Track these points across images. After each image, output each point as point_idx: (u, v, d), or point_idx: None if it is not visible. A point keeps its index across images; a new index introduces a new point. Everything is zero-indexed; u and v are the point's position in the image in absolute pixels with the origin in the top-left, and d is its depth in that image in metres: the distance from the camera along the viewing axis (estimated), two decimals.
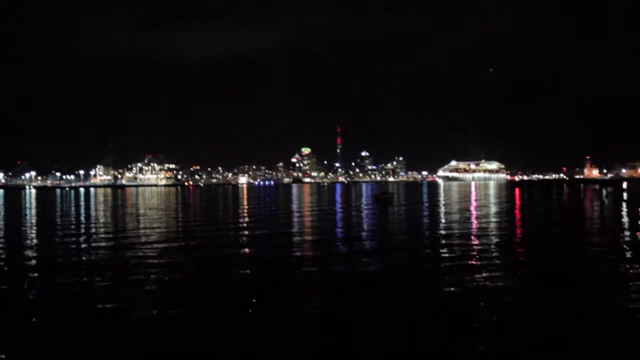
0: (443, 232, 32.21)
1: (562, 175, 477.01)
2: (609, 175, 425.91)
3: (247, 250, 26.28)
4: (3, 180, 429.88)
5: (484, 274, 18.17)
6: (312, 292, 16.12)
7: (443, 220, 41.30)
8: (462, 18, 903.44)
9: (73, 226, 41.11)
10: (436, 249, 24.46)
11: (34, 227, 41.46)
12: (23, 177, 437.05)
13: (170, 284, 17.63)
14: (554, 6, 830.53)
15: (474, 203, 67.98)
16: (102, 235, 33.02)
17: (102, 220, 46.91)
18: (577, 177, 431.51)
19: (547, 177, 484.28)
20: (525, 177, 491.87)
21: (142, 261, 22.00)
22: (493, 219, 41.50)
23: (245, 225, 40.61)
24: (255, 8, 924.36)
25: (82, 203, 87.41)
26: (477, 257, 21.96)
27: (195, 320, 13.16)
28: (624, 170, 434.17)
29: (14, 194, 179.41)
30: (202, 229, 37.83)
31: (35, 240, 31.47)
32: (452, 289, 16.24)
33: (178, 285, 17.44)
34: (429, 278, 18.26)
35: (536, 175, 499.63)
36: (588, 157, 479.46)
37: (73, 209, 68.37)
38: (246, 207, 67.57)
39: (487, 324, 12.44)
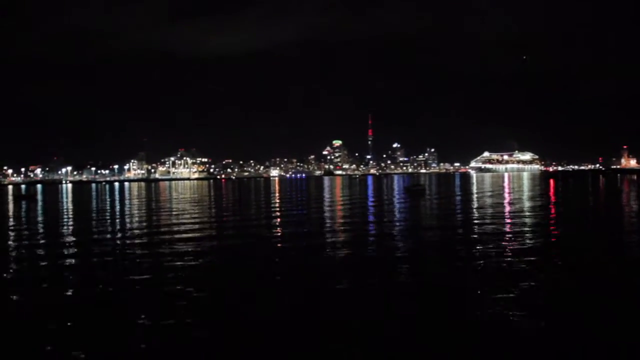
0: (475, 230, 31.83)
1: (598, 165, 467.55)
2: None
3: (280, 245, 26.43)
4: (40, 176, 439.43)
5: (515, 280, 18.00)
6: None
7: (475, 215, 40.80)
8: (491, 9, 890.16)
9: (113, 220, 41.92)
10: (467, 251, 24.13)
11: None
12: (60, 172, 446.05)
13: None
14: None
15: (507, 196, 67.14)
16: (142, 231, 33.62)
17: (140, 215, 47.67)
18: (614, 167, 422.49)
19: (582, 167, 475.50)
20: (559, 168, 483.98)
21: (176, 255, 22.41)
22: (527, 215, 40.83)
23: (278, 222, 40.79)
24: (281, 2, 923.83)
25: (118, 197, 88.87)
26: (509, 259, 21.74)
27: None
28: None
29: (52, 189, 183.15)
30: (236, 224, 38.12)
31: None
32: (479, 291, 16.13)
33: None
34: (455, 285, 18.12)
35: (571, 166, 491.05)
36: (625, 147, 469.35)
37: (109, 203, 69.71)
38: (278, 201, 67.84)
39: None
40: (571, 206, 49.99)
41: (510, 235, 26.85)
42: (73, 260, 22.24)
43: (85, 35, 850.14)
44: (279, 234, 31.15)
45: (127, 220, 42.09)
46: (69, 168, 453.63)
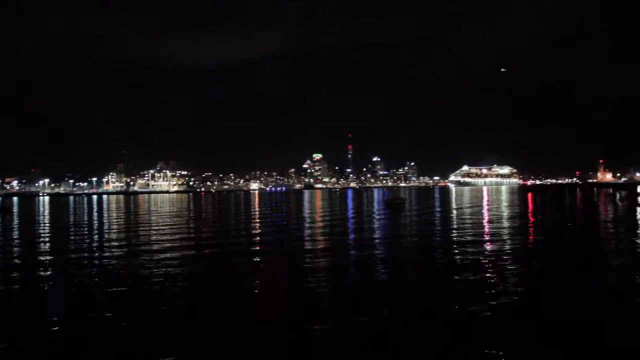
0: (455, 238, 32.11)
1: (575, 179, 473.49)
2: (623, 179, 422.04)
3: (257, 259, 26.34)
4: (17, 188, 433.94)
5: (492, 285, 18.13)
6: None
7: (455, 226, 41.12)
8: (469, 23, 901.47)
9: (90, 234, 41.49)
10: (447, 256, 24.34)
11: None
12: (37, 184, 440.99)
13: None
14: (565, 8, 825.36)
15: (486, 208, 67.71)
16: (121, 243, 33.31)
17: (116, 228, 47.25)
18: (591, 181, 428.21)
19: (560, 181, 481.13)
20: (537, 182, 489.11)
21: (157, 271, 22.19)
22: (505, 224, 41.28)
23: (257, 234, 40.67)
24: (263, 13, 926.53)
25: (96, 210, 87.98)
26: (487, 265, 21.90)
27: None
28: (638, 174, 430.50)
29: (29, 201, 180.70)
30: (213, 239, 37.96)
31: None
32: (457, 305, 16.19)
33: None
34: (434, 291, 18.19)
35: (549, 180, 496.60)
36: (601, 161, 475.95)
37: (87, 216, 69.01)
38: (258, 215, 67.70)
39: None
40: (547, 217, 50.51)
41: (487, 245, 27.07)
42: (47, 273, 21.94)
43: (62, 46, 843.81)
44: (257, 249, 31.02)
45: (105, 233, 41.61)
46: (47, 180, 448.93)
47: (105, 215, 69.93)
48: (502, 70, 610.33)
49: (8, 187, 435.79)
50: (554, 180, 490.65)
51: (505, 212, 57.25)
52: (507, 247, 26.70)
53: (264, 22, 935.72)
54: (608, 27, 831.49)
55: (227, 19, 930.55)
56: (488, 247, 26.68)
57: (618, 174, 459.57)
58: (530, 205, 71.56)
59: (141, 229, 44.70)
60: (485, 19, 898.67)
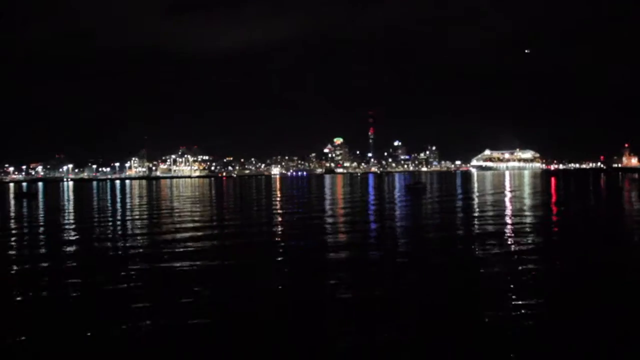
0: (476, 228, 31.91)
1: (599, 164, 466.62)
2: None
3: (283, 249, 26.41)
4: (42, 173, 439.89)
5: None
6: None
7: (476, 213, 40.82)
8: (490, 5, 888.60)
9: (114, 219, 42.00)
10: (466, 247, 24.18)
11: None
12: (61, 169, 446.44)
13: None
14: None
15: (508, 194, 67.14)
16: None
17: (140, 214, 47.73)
18: (615, 165, 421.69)
19: (583, 166, 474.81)
20: (561, 166, 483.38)
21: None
22: (528, 213, 40.88)
23: (279, 220, 40.79)
24: None
25: (119, 195, 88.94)
26: (511, 258, 21.72)
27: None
28: None
29: (54, 186, 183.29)
30: (235, 223, 38.15)
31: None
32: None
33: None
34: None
35: (572, 164, 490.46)
36: (627, 145, 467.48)
37: (110, 201, 69.81)
38: (279, 199, 67.87)
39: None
40: (572, 205, 49.88)
41: (509, 234, 26.86)
42: (72, 261, 22.27)
43: (83, 33, 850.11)
44: (280, 232, 31.12)
45: (128, 218, 42.04)
46: (70, 166, 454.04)
47: (128, 200, 70.69)
48: (527, 51, 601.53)
49: (33, 173, 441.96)
50: (577, 165, 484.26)
51: (528, 200, 56.55)
52: (530, 242, 26.14)
53: (284, 6, 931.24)
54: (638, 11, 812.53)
55: (246, 2, 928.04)
56: (510, 241, 26.13)
57: None
58: (554, 194, 70.59)
59: (163, 216, 45.00)
60: (505, 4, 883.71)
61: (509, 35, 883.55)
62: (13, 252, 24.97)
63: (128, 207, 56.99)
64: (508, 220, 33.60)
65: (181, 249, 23.91)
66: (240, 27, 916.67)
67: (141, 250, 24.19)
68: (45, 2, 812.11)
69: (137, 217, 43.31)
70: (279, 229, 32.84)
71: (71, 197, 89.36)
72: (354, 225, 33.01)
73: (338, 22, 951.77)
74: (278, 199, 67.54)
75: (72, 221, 41.44)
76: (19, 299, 15.66)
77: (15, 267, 20.54)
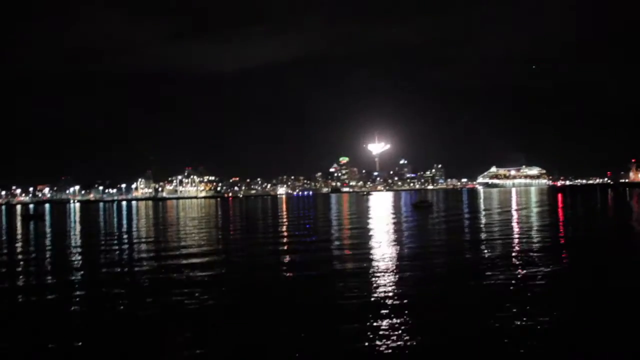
0: (484, 253, 31.72)
1: (606, 179, 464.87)
2: None
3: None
4: (48, 195, 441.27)
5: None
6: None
7: (483, 235, 40.60)
8: (499, 19, 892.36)
9: (120, 242, 41.96)
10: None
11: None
12: (67, 191, 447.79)
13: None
14: (595, 8, 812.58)
15: (515, 213, 66.80)
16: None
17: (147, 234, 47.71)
18: (622, 181, 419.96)
19: (590, 181, 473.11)
20: (567, 182, 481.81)
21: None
22: (535, 234, 40.57)
23: (286, 247, 40.72)
24: (285, 17, 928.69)
25: (125, 217, 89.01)
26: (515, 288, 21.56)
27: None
28: None
29: (60, 208, 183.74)
30: (243, 247, 38.08)
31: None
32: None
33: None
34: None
35: (579, 180, 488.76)
36: (634, 161, 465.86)
37: (116, 223, 69.83)
38: (285, 221, 67.77)
39: None
40: (580, 225, 49.45)
41: (516, 255, 26.66)
42: (79, 287, 22.24)
43: (90, 54, 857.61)
44: (287, 260, 31.01)
45: (135, 242, 41.98)
46: (77, 187, 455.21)
47: (135, 222, 70.72)
48: (533, 67, 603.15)
49: (40, 195, 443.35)
50: (584, 181, 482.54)
51: (535, 219, 56.26)
52: (538, 269, 25.67)
53: (288, 26, 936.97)
54: None
55: (252, 22, 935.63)
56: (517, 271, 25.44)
57: None
58: (561, 212, 70.21)
59: (170, 240, 44.96)
60: (511, 19, 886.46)
61: (515, 52, 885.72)
62: (20, 278, 24.94)
63: (134, 229, 56.97)
64: (515, 242, 33.39)
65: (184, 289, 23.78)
66: (246, 48, 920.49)
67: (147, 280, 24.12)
68: (47, 23, 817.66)
69: (143, 241, 43.29)
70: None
71: (77, 218, 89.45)
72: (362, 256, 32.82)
73: (340, 40, 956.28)
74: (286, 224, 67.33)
75: (78, 244, 41.39)
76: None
77: (20, 296, 20.52)
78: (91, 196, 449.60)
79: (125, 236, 47.12)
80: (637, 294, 17.34)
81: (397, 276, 21.25)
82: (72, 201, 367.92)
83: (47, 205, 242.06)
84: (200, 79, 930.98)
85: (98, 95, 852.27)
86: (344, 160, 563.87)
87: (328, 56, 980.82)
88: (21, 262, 30.36)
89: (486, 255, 26.64)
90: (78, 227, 64.57)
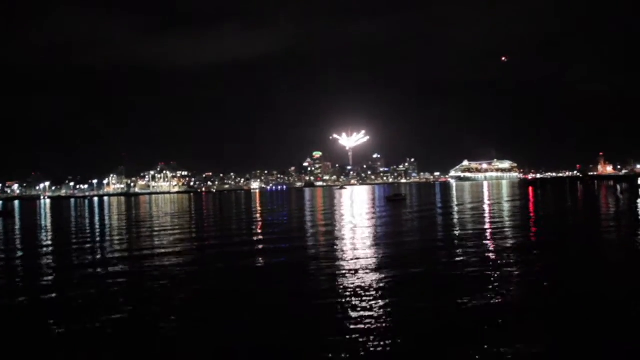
0: (457, 233, 32.14)
1: (576, 172, 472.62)
2: (624, 172, 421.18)
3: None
4: (18, 191, 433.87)
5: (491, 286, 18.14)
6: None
7: (456, 221, 41.14)
8: (467, 16, 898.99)
9: (93, 237, 41.51)
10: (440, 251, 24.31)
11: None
12: (38, 187, 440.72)
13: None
14: (566, 3, 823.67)
15: (487, 203, 67.75)
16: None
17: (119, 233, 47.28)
18: (591, 174, 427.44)
19: (560, 174, 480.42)
20: (538, 175, 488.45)
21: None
22: (506, 220, 41.29)
23: (260, 238, 40.68)
24: (260, 13, 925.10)
25: (98, 213, 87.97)
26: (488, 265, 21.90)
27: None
28: (638, 166, 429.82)
29: (31, 205, 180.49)
30: (219, 242, 38.00)
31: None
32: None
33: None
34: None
35: (549, 173, 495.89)
36: (601, 154, 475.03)
37: (88, 219, 68.98)
38: (259, 215, 67.69)
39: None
40: (548, 212, 50.46)
41: (488, 238, 27.09)
42: (50, 282, 22.00)
43: (60, 49, 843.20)
44: (261, 249, 31.04)
45: (107, 237, 41.61)
46: (47, 183, 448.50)
47: (107, 218, 69.97)
48: (503, 59, 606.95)
49: (9, 191, 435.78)
50: (554, 174, 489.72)
51: (507, 210, 57.13)
52: (508, 251, 26.40)
53: (261, 22, 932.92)
54: (608, 23, 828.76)
55: (224, 19, 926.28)
56: (488, 254, 26.33)
57: (619, 166, 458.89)
58: (532, 201, 71.41)
59: (143, 234, 44.66)
60: (485, 14, 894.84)
61: (488, 47, 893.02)
62: None
63: (106, 225, 56.39)
64: (487, 228, 33.90)
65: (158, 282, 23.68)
66: (219, 44, 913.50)
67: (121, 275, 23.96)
68: (20, 15, 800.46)
69: (116, 236, 42.91)
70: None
71: (49, 215, 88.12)
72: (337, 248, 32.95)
73: (315, 36, 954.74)
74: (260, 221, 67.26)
75: (49, 241, 40.86)
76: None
77: None
78: (62, 192, 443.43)
79: (97, 233, 46.61)
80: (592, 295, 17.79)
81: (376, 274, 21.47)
82: (42, 197, 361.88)
83: (16, 202, 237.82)
84: (172, 75, 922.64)
85: (69, 91, 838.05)
86: (317, 154, 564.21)
87: (301, 52, 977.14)
88: None
89: (456, 241, 27.07)
90: (49, 224, 63.58)
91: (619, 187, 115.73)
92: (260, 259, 26.08)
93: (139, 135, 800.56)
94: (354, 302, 15.50)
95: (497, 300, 15.23)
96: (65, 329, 13.99)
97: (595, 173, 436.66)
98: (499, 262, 21.38)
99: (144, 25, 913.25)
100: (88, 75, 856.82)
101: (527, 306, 14.76)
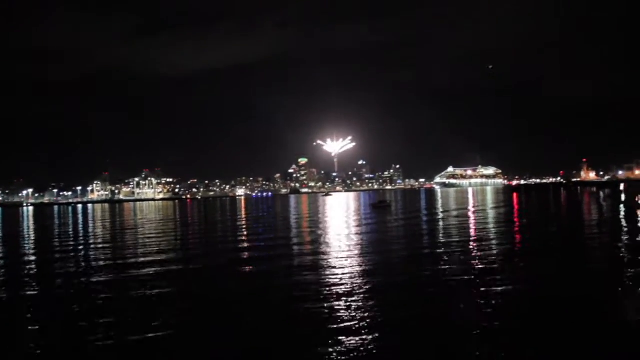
0: (441, 240, 32.22)
1: (559, 178, 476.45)
2: (606, 178, 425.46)
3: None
4: (0, 198, 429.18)
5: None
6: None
7: (440, 226, 41.26)
8: (454, 22, 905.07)
9: (76, 245, 41.09)
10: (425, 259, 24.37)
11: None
12: (20, 194, 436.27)
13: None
14: (549, 6, 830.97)
15: (471, 209, 68.05)
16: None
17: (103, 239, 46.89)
18: (575, 180, 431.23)
19: (544, 180, 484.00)
20: (522, 182, 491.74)
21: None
22: (491, 227, 41.49)
23: (245, 245, 40.55)
24: (246, 18, 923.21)
25: (81, 220, 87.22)
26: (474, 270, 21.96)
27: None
28: (620, 172, 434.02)
29: (13, 212, 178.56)
30: (202, 249, 37.78)
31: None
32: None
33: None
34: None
35: (533, 180, 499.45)
36: (585, 160, 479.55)
37: (72, 226, 68.33)
38: (244, 222, 67.45)
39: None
40: (533, 218, 50.80)
41: (471, 247, 27.18)
42: (32, 289, 21.76)
43: (45, 53, 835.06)
44: (245, 257, 30.91)
45: (91, 245, 41.25)
46: (30, 190, 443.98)
47: (91, 225, 69.35)
48: (489, 67, 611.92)
49: None
50: (538, 180, 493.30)
51: (491, 217, 57.41)
52: (491, 259, 26.56)
53: (247, 27, 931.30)
54: (591, 28, 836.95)
55: (209, 24, 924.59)
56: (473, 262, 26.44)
57: (601, 173, 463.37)
58: (516, 208, 71.82)
59: (128, 242, 44.31)
60: (468, 19, 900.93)
61: (473, 53, 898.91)
62: None
63: (90, 232, 55.90)
64: (471, 237, 34.02)
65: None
66: (205, 49, 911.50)
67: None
68: (11, 18, 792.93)
69: (98, 243, 42.55)
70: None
71: (31, 222, 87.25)
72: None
73: (302, 42, 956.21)
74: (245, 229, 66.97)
75: (31, 249, 40.42)
76: None
77: None
78: (45, 199, 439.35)
79: (80, 240, 46.17)
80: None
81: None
82: (25, 204, 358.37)
83: None
84: (155, 80, 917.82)
85: (51, 97, 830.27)
86: (302, 161, 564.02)
87: (287, 57, 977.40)
88: None
89: (440, 247, 27.10)
90: (31, 232, 62.93)
91: (601, 193, 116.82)
92: (244, 268, 25.98)
93: (122, 142, 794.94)
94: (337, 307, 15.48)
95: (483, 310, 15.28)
96: (45, 341, 13.84)
97: (579, 179, 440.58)
98: (482, 270, 21.45)
99: (125, 30, 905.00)
100: (71, 82, 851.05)
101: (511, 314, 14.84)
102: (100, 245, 39.90)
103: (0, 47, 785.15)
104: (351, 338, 12.97)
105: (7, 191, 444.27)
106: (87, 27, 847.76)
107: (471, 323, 13.84)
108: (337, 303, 16.65)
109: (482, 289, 17.82)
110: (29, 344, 13.71)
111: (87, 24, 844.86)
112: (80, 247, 39.32)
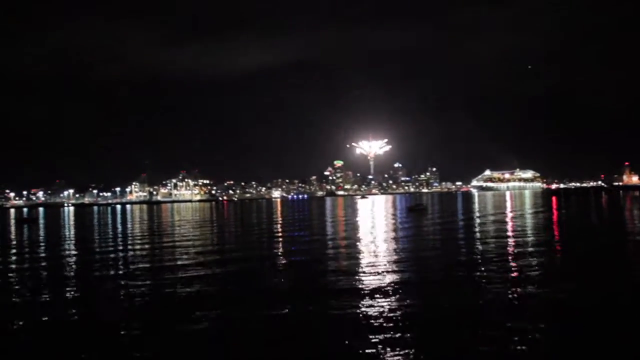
0: (479, 248, 31.80)
1: (600, 182, 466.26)
2: None
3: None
4: (42, 198, 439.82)
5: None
6: None
7: (477, 235, 40.72)
8: (491, 25, 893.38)
9: (115, 245, 41.81)
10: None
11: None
12: (62, 195, 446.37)
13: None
14: (587, 11, 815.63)
15: (509, 214, 67.03)
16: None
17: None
18: (616, 184, 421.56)
19: (584, 184, 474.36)
20: (561, 185, 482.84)
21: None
22: (529, 235, 40.74)
23: (281, 249, 40.67)
24: (273, 23, 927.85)
25: (120, 220, 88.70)
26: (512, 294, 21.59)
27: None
28: None
29: (54, 212, 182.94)
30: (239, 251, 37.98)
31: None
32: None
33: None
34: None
35: (573, 183, 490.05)
36: (627, 163, 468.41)
37: (111, 226, 69.54)
38: (280, 224, 67.70)
39: None
40: (574, 227, 49.75)
41: (510, 257, 26.73)
42: (73, 289, 22.17)
43: (83, 59, 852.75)
44: (283, 261, 31.00)
45: (129, 245, 41.89)
46: (71, 191, 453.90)
47: (129, 225, 70.44)
48: (529, 67, 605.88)
49: (34, 198, 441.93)
50: (578, 184, 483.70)
51: (530, 223, 56.44)
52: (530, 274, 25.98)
53: (278, 31, 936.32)
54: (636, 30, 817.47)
55: (241, 28, 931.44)
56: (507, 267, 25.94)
57: None
58: (555, 213, 70.48)
59: (165, 242, 44.86)
60: (508, 21, 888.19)
61: (510, 54, 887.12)
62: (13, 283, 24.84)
63: (129, 232, 56.77)
64: (510, 243, 33.49)
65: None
66: (238, 54, 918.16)
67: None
68: (42, 25, 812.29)
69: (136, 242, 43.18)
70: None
71: (72, 222, 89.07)
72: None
73: (336, 44, 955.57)
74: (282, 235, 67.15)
75: (72, 248, 41.23)
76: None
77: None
78: (85, 200, 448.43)
79: (120, 241, 46.89)
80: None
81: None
82: (66, 204, 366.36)
83: (41, 209, 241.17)
84: (195, 84, 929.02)
85: (93, 100, 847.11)
86: (338, 163, 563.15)
87: (324, 60, 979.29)
88: (13, 268, 30.20)
89: (478, 255, 26.72)
90: (72, 231, 64.20)
91: None
92: (277, 275, 26.05)
93: (161, 144, 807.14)
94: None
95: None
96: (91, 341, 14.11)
97: (620, 183, 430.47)
98: (520, 284, 21.08)
99: (163, 36, 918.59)
100: (112, 85, 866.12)
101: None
102: (138, 246, 40.51)
103: (40, 48, 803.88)
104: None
105: (49, 191, 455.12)
106: (117, 34, 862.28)
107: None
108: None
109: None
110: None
111: (117, 30, 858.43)
112: (120, 247, 40.04)
